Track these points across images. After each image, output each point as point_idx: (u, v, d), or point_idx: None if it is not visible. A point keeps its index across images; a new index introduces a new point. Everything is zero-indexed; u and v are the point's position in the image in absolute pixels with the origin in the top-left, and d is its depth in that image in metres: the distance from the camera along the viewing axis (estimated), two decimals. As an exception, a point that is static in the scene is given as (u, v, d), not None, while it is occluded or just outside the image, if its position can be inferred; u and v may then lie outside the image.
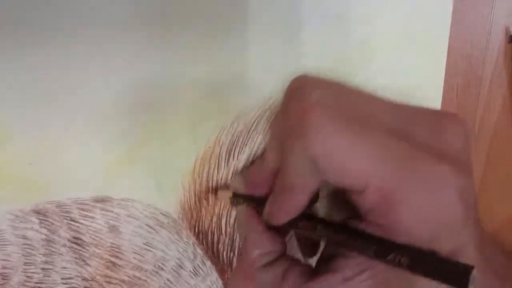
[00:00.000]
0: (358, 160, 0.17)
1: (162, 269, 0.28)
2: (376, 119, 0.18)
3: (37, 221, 0.26)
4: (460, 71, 0.28)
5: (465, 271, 0.15)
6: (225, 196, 0.26)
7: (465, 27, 0.29)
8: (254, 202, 0.23)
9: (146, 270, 0.28)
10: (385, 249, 0.17)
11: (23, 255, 0.26)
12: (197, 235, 0.28)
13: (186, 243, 0.28)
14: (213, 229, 0.29)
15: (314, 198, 0.26)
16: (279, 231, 0.22)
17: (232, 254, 0.30)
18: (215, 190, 0.27)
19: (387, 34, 0.29)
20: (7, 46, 0.22)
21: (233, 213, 0.29)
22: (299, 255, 0.23)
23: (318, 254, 0.22)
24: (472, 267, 0.15)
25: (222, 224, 0.29)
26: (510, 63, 0.29)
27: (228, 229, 0.29)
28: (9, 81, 0.23)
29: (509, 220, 0.33)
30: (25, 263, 0.26)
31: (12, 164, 0.24)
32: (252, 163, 0.28)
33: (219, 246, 0.29)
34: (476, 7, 0.28)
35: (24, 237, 0.26)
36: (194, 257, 0.29)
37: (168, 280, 0.29)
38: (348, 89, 0.19)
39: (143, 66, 0.25)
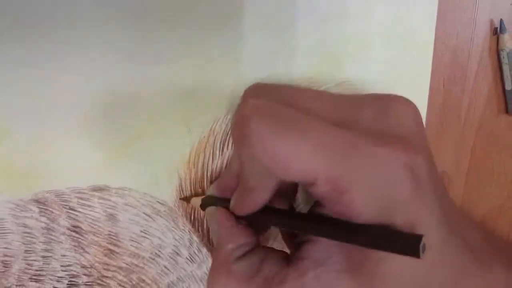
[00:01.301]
0: (301, 156, 0.17)
1: (159, 256, 0.29)
2: (317, 114, 0.19)
3: (37, 210, 0.26)
4: (446, 63, 0.29)
5: (415, 240, 0.16)
6: (197, 203, 0.27)
7: (451, 20, 0.29)
8: (225, 203, 0.24)
9: (143, 257, 0.29)
10: (345, 230, 0.18)
11: (24, 243, 0.27)
12: (193, 223, 0.29)
13: (182, 231, 0.29)
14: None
15: (294, 190, 0.28)
16: (250, 223, 0.24)
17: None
18: (188, 200, 0.28)
19: (374, 29, 0.29)
20: (5, 42, 0.23)
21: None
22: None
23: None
24: (421, 236, 0.16)
25: (216, 212, 0.30)
26: (494, 55, 0.30)
27: (223, 217, 0.30)
28: (7, 76, 0.23)
29: (496, 208, 0.35)
30: (25, 251, 0.27)
31: (12, 155, 0.25)
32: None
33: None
34: (461, 0, 0.29)
35: (25, 226, 0.26)
36: (190, 244, 0.30)
37: (165, 266, 0.29)
38: (290, 89, 0.21)
39: (137, 61, 0.25)
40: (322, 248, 0.19)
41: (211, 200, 0.26)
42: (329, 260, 0.19)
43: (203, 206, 0.26)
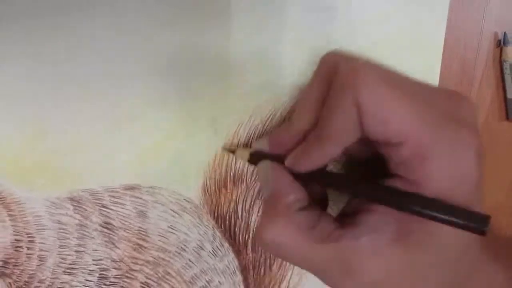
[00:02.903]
0: (402, 114, 0.19)
1: (184, 250, 0.31)
2: (411, 86, 0.20)
3: (71, 207, 0.28)
4: (453, 72, 0.31)
5: (483, 219, 0.18)
6: (243, 155, 0.27)
7: (459, 32, 0.31)
8: (278, 159, 0.23)
9: (169, 251, 0.30)
10: (409, 200, 0.19)
11: (58, 239, 0.28)
12: (216, 219, 0.31)
13: (207, 226, 0.31)
14: (230, 214, 0.31)
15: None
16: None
17: (247, 236, 0.32)
18: (232, 150, 0.28)
19: (384, 39, 0.31)
20: (44, 44, 0.24)
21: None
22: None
23: (339, 208, 0.23)
24: (490, 216, 0.18)
25: (238, 209, 0.32)
26: (498, 65, 0.33)
27: (244, 214, 0.32)
28: (45, 79, 0.24)
29: (495, 209, 0.37)
30: (60, 246, 0.28)
31: (49, 155, 0.26)
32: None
33: (236, 229, 0.32)
34: (469, 14, 0.31)
35: (59, 222, 0.28)
36: (213, 239, 0.31)
37: (189, 260, 0.31)
38: (379, 62, 0.21)
39: (167, 67, 0.27)
40: (378, 217, 0.20)
41: (262, 155, 0.25)
42: (383, 228, 0.20)
43: (252, 160, 0.26)
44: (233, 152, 0.28)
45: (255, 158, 0.26)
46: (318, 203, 0.24)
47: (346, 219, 0.22)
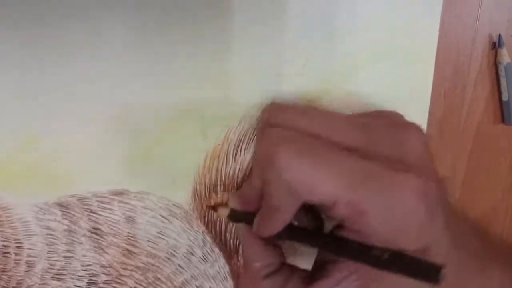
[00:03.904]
0: (324, 182, 0.19)
1: (174, 255, 0.31)
2: (338, 139, 0.21)
3: (59, 213, 0.27)
4: (447, 75, 0.31)
5: (435, 269, 0.17)
6: (224, 213, 0.28)
7: (452, 34, 0.31)
8: (250, 216, 0.25)
9: (159, 257, 0.30)
10: (365, 252, 0.19)
11: (47, 244, 0.28)
12: (206, 225, 0.31)
13: (197, 232, 0.31)
14: (221, 219, 0.31)
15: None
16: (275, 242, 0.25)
17: (238, 241, 0.32)
18: (215, 208, 0.29)
19: (375, 44, 0.31)
20: (30, 51, 0.24)
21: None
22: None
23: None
24: (441, 266, 0.17)
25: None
26: (492, 68, 0.32)
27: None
28: (33, 85, 0.24)
29: (490, 209, 0.37)
30: (48, 252, 0.28)
31: (37, 161, 0.26)
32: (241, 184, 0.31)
33: (227, 234, 0.32)
34: (462, 16, 0.31)
35: (48, 228, 0.27)
36: (204, 245, 0.31)
37: (179, 265, 0.31)
38: (311, 114, 0.22)
39: (156, 73, 0.27)
40: (343, 267, 0.21)
41: (238, 214, 0.27)
42: (349, 278, 0.21)
43: (232, 219, 0.28)
44: (215, 210, 0.29)
45: (234, 217, 0.27)
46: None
47: (318, 269, 0.22)
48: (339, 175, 0.19)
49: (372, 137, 0.21)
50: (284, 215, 0.22)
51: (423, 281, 0.18)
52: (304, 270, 0.24)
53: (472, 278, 0.22)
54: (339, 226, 0.21)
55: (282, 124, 0.21)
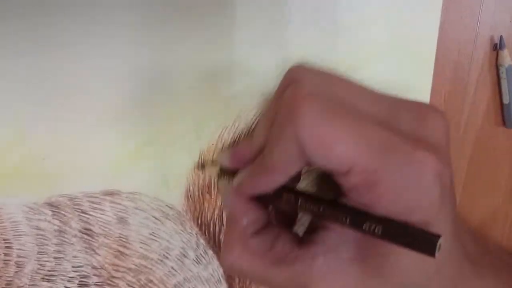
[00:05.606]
0: (344, 146, 0.18)
1: (167, 257, 0.30)
2: (362, 108, 0.20)
3: (50, 213, 0.27)
4: (447, 77, 0.30)
5: (432, 239, 0.17)
6: (212, 171, 0.27)
7: (452, 36, 0.30)
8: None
9: (151, 259, 0.30)
10: (361, 219, 0.19)
11: (37, 245, 0.27)
12: (200, 226, 0.30)
13: (190, 234, 0.30)
14: (215, 221, 0.31)
15: (297, 179, 0.28)
16: (262, 201, 0.23)
17: (232, 244, 0.32)
18: (203, 166, 0.28)
19: (375, 45, 0.30)
20: (19, 45, 0.23)
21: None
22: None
23: (306, 225, 0.23)
24: (439, 236, 0.17)
25: (223, 216, 0.31)
26: (494, 70, 0.31)
27: (229, 221, 0.31)
28: (21, 80, 0.24)
29: (490, 214, 0.36)
30: (38, 252, 0.27)
31: (27, 160, 0.26)
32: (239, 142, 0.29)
33: (221, 236, 0.31)
34: (463, 18, 0.30)
35: (38, 228, 0.27)
36: (197, 247, 0.31)
37: (172, 268, 0.31)
38: (338, 80, 0.21)
39: (149, 71, 0.26)
40: (335, 235, 0.20)
41: (228, 172, 0.25)
42: (340, 247, 0.20)
43: (221, 177, 0.26)
44: (203, 168, 0.28)
45: (222, 175, 0.26)
46: (285, 220, 0.24)
47: (308, 236, 0.21)
48: (360, 141, 0.18)
49: (397, 112, 0.20)
50: (280, 176, 0.21)
51: (419, 252, 0.17)
52: (293, 233, 0.23)
53: (466, 281, 0.21)
54: (340, 195, 0.20)
55: (307, 83, 0.20)
